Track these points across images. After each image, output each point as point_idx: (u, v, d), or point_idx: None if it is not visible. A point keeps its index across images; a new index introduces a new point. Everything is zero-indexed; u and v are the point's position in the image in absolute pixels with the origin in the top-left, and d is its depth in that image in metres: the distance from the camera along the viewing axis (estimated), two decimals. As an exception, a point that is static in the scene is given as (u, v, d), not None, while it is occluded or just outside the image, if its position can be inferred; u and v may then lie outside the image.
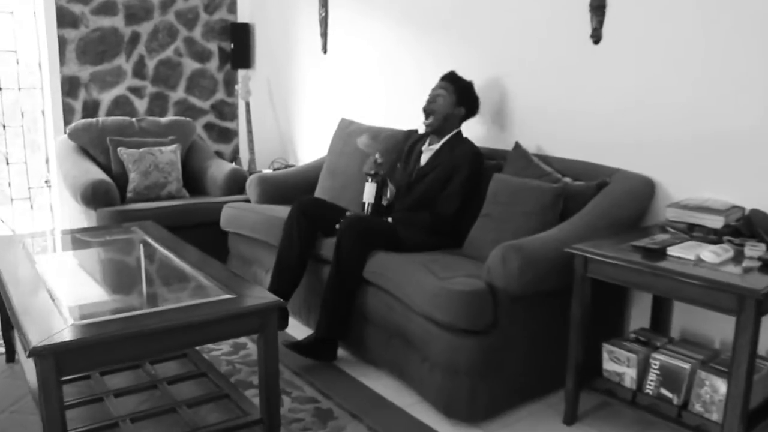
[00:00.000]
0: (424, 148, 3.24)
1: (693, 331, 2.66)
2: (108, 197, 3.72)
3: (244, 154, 5.50)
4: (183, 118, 4.70)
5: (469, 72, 3.49)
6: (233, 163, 4.99)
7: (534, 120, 3.22)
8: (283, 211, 3.51)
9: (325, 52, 4.55)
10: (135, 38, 5.00)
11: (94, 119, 4.32)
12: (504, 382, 2.46)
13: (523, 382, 2.55)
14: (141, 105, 5.11)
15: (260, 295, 2.09)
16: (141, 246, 2.87)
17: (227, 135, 5.56)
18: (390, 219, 3.11)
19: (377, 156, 3.22)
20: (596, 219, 2.58)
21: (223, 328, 1.97)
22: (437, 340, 2.41)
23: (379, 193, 3.19)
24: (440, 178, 3.06)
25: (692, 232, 2.44)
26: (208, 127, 5.45)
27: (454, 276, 2.49)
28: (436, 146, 3.17)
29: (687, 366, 2.20)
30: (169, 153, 4.14)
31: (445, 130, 3.18)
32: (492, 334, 2.37)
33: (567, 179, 2.89)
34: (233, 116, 5.54)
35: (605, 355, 2.39)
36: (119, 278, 2.58)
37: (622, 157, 2.86)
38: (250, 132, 5.06)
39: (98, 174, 3.82)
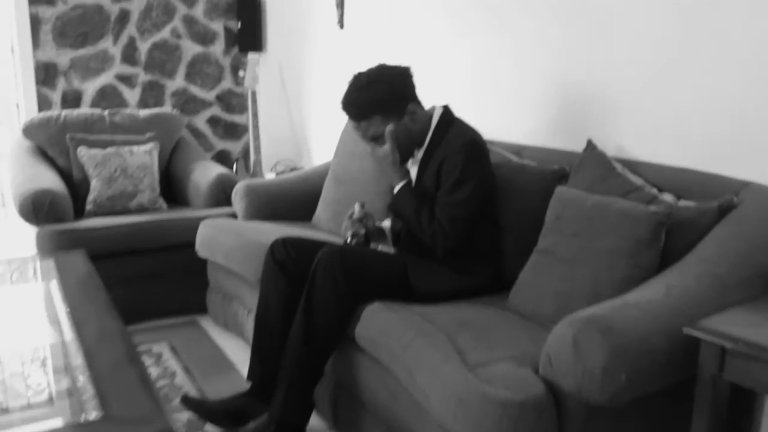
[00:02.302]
0: (409, 163, 2.26)
1: None
2: (54, 211, 2.91)
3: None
4: (167, 110, 3.86)
5: (525, 44, 2.53)
6: (234, 165, 4.15)
7: (613, 107, 2.24)
8: (271, 232, 2.63)
9: (341, 26, 3.64)
10: (124, 17, 4.21)
11: (55, 112, 3.52)
12: None
13: None
14: (132, 96, 4.33)
15: (144, 415, 1.20)
16: (22, 299, 1.97)
17: (235, 131, 4.72)
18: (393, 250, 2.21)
19: (356, 207, 2.24)
20: (725, 267, 1.59)
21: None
22: (462, 471, 1.47)
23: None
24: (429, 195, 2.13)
25: None
26: (213, 121, 4.62)
27: (492, 360, 1.54)
28: (420, 154, 2.21)
29: None
30: (142, 154, 3.30)
31: (420, 141, 2.19)
32: (554, 469, 1.42)
33: (667, 197, 1.91)
34: (242, 108, 4.69)
35: None
36: None
37: (757, 165, 1.86)
38: (255, 127, 4.20)
39: (45, 182, 3.00)
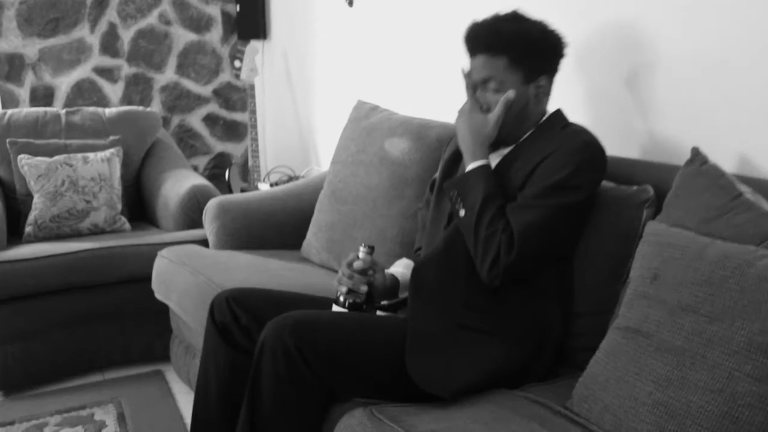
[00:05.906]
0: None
1: None
2: (-27, 237, 2.28)
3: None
4: (139, 108, 3.20)
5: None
6: (227, 172, 3.49)
7: (731, 99, 1.49)
8: (239, 269, 1.96)
9: (350, 3, 2.94)
10: (102, 0, 3.58)
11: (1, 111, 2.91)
12: None
13: None
14: (114, 91, 3.72)
15: None
16: None
17: (236, 130, 4.08)
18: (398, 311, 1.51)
19: (360, 252, 1.49)
20: None
21: None
22: None
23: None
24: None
25: None
26: (210, 120, 3.99)
27: None
28: (507, 150, 1.56)
29: None
30: (99, 162, 2.64)
31: (522, 130, 1.56)
32: None
33: (835, 242, 1.16)
34: (245, 105, 4.04)
35: None
36: None
37: None
38: (253, 127, 3.54)
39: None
